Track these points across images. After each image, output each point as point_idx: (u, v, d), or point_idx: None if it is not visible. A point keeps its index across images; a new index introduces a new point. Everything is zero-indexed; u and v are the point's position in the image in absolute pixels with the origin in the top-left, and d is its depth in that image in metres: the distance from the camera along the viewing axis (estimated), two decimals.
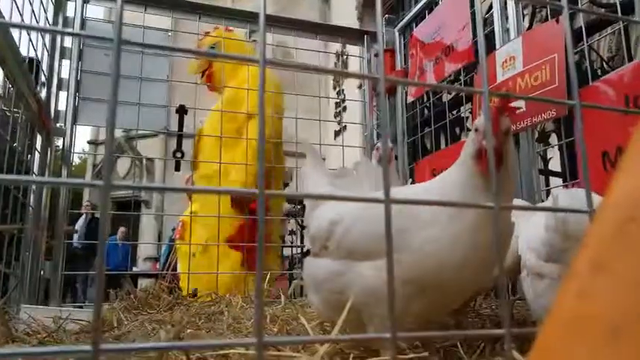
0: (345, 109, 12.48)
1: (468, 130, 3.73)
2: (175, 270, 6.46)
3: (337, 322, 1.20)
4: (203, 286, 3.09)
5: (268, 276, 3.07)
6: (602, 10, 2.99)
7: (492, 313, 2.12)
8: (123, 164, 17.62)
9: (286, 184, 5.88)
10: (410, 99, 3.67)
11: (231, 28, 3.77)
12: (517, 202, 1.87)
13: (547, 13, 3.02)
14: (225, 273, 3.17)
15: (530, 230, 1.39)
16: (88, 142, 16.01)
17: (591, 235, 0.47)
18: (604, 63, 4.59)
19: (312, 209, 1.55)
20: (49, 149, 2.97)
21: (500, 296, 0.69)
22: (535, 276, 1.36)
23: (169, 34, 3.27)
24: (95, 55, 3.10)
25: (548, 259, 1.31)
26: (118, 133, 17.14)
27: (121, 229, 10.72)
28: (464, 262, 1.14)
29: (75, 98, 3.07)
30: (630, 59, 2.42)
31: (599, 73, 3.81)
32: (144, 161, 17.55)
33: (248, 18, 3.64)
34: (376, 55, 3.76)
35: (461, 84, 3.41)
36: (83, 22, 3.12)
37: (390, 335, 0.57)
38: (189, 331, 1.56)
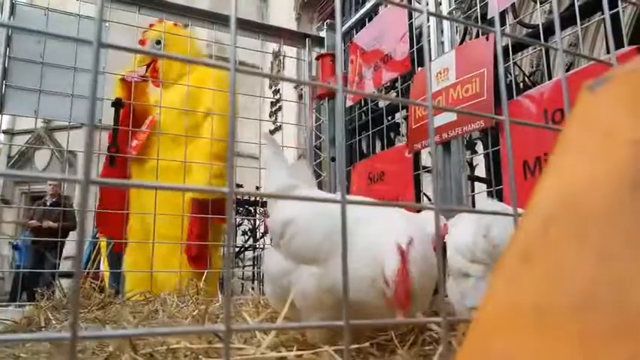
0: (280, 108, 12.48)
1: (402, 135, 3.90)
2: (99, 268, 6.18)
3: (282, 314, 1.25)
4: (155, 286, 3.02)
5: (204, 275, 3.05)
6: (526, 30, 3.26)
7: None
8: (42, 156, 16.53)
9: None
10: (349, 103, 3.78)
11: (178, 23, 3.68)
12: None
13: (478, 31, 3.23)
14: (160, 271, 3.10)
15: (459, 236, 1.50)
16: (3, 132, 14.79)
17: (520, 230, 0.52)
18: (525, 77, 4.99)
19: (275, 201, 1.57)
20: None
21: (439, 291, 0.78)
22: (461, 277, 1.47)
23: (107, 25, 3.14)
24: (25, 42, 2.92)
25: (473, 259, 1.43)
26: (38, 123, 16.01)
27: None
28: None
29: (1, 86, 2.89)
30: (550, 76, 2.66)
31: (522, 87, 4.13)
32: (65, 154, 16.53)
33: (183, 12, 3.56)
34: (317, 59, 3.82)
35: (397, 92, 3.56)
36: (13, 6, 2.93)
37: (344, 323, 0.63)
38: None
